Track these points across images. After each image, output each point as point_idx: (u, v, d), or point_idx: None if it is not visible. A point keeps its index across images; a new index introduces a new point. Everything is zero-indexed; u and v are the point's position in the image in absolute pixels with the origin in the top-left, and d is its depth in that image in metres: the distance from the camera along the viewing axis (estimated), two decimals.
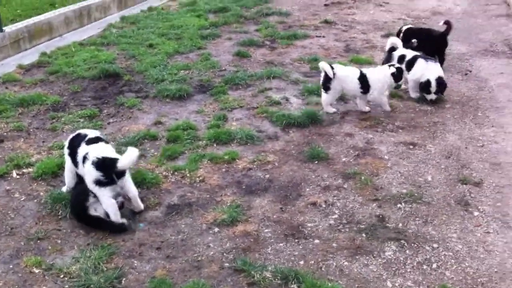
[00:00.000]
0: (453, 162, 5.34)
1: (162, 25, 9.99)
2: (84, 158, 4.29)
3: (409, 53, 6.90)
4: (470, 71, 7.70)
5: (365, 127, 6.06)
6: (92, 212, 4.31)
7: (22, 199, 4.70)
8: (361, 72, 6.33)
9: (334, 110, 6.49)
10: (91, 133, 4.61)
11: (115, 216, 4.28)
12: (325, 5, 11.98)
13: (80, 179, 4.53)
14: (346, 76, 6.29)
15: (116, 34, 9.57)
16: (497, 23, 10.29)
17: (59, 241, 4.15)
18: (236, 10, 11.07)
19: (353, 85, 6.30)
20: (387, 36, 9.38)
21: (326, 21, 10.41)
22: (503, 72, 7.61)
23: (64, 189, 4.67)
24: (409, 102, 6.72)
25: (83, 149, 4.38)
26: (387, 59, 7.04)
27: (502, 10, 11.20)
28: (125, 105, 6.63)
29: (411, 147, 5.64)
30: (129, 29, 9.84)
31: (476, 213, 4.54)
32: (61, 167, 4.95)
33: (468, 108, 6.55)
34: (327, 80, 6.28)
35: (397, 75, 6.33)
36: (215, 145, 5.67)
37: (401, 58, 6.87)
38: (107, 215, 4.30)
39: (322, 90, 6.42)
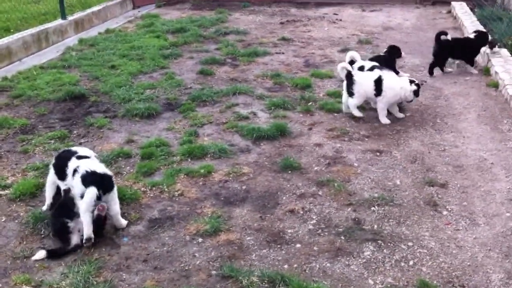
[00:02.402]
0: (419, 166, 5.62)
1: (122, 47, 10.03)
2: (74, 171, 4.37)
3: (367, 64, 7.22)
4: (426, 81, 8.08)
5: (333, 137, 6.29)
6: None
7: (2, 220, 4.68)
8: (379, 76, 6.65)
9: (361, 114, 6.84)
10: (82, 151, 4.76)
11: (88, 227, 4.27)
12: (281, 23, 12.28)
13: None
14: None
15: (76, 56, 9.55)
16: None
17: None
18: (195, 30, 11.23)
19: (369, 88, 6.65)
20: (343, 51, 9.77)
21: (284, 38, 10.70)
22: (456, 82, 8.04)
23: (44, 207, 4.69)
24: (371, 112, 7.00)
25: (73, 163, 4.46)
26: None
27: (449, 24, 11.79)
28: (95, 125, 6.65)
29: (378, 154, 5.90)
30: (89, 51, 9.83)
31: (445, 212, 4.81)
32: (38, 187, 4.96)
33: (427, 115, 6.89)
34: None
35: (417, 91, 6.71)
36: (189, 160, 5.78)
37: (360, 69, 7.17)
38: None
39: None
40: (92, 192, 4.22)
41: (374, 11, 13.47)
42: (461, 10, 12.27)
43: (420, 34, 11.13)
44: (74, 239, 4.30)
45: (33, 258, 4.15)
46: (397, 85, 6.63)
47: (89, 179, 4.29)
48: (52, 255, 4.18)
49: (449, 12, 13.04)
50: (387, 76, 6.67)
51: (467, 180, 5.34)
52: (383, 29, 11.59)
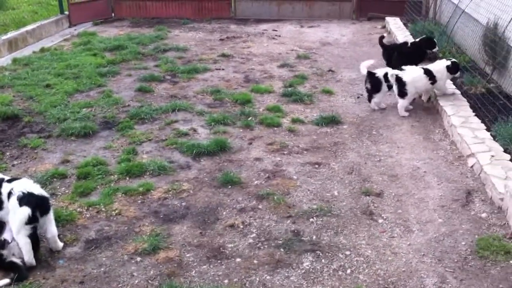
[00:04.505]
0: (355, 177, 5.75)
1: (58, 65, 9.80)
2: (9, 194, 4.25)
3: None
4: (362, 95, 8.29)
5: (272, 151, 6.36)
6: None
7: None
8: (424, 69, 7.44)
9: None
10: None
11: (29, 255, 4.19)
12: (221, 39, 12.34)
13: None
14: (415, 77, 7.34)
15: (9, 76, 9.26)
16: (380, 50, 11.13)
17: None
18: (133, 48, 11.10)
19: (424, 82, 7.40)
20: (282, 66, 9.94)
21: (223, 55, 10.75)
22: (390, 94, 8.28)
23: None
24: (310, 125, 7.13)
25: (6, 187, 4.32)
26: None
27: (385, 34, 12.14)
28: (29, 146, 6.47)
29: (316, 166, 5.99)
30: (23, 71, 9.55)
31: (380, 221, 4.93)
32: None
33: (364, 127, 7.07)
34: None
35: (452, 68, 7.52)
36: (127, 178, 5.70)
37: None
38: None
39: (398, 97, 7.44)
40: (24, 211, 4.10)
41: (312, 27, 13.73)
42: (395, 25, 12.69)
43: (356, 49, 11.43)
44: (16, 260, 4.17)
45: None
46: (442, 66, 7.45)
47: (26, 200, 4.18)
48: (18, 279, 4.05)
49: (384, 27, 13.45)
50: (432, 65, 7.55)
51: (402, 188, 5.50)
52: (321, 45, 11.83)
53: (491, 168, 5.49)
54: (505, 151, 5.84)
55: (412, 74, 7.36)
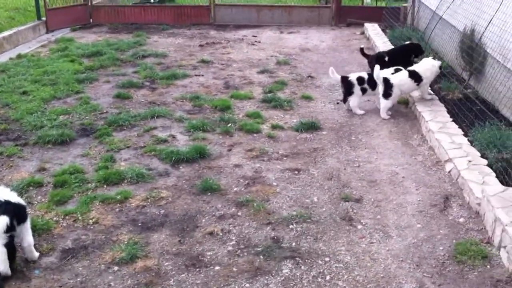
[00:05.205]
0: (335, 183, 5.76)
1: (35, 72, 9.68)
2: None
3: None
4: (341, 100, 8.32)
5: (252, 158, 6.34)
6: None
7: None
8: (409, 70, 7.57)
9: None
10: None
11: (5, 265, 4.11)
12: (200, 45, 12.31)
13: None
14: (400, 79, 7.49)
15: None
16: (359, 56, 11.14)
17: None
18: (112, 54, 11.02)
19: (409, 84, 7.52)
20: (262, 72, 9.94)
21: (203, 61, 10.71)
22: (369, 100, 8.33)
23: None
24: (289, 131, 7.13)
25: None
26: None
27: (363, 44, 12.22)
28: (4, 154, 6.37)
29: (296, 172, 5.99)
30: None
31: (359, 227, 4.94)
32: None
33: (343, 133, 7.09)
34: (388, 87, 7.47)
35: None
36: (105, 186, 5.63)
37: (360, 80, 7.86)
38: None
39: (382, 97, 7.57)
40: (2, 220, 4.04)
41: (292, 33, 13.78)
42: (374, 31, 12.80)
43: (335, 55, 11.49)
44: None
45: None
46: (429, 65, 7.61)
47: (3, 208, 4.13)
48: None
49: (363, 33, 13.56)
50: (416, 66, 7.73)
51: (380, 194, 5.52)
52: (300, 51, 11.86)
53: (469, 173, 5.54)
54: (482, 156, 5.90)
55: (399, 76, 7.50)
